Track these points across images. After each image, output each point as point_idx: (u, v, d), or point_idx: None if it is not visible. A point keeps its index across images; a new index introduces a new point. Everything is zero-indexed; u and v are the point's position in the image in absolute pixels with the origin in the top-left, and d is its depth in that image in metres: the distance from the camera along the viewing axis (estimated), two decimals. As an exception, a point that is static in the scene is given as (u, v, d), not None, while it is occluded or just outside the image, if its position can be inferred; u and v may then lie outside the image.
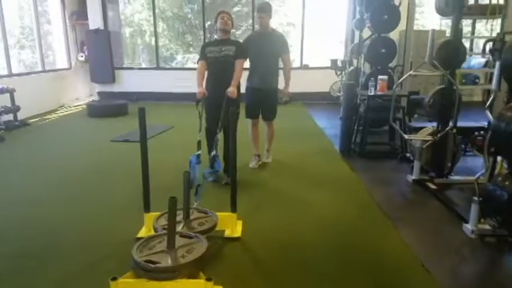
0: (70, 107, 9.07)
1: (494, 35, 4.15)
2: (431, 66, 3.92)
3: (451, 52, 3.88)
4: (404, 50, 5.97)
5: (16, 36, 9.16)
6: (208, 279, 2.05)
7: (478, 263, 2.78)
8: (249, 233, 2.97)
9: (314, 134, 6.47)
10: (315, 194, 3.84)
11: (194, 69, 4.09)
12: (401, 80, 4.19)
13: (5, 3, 7.36)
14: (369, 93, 4.89)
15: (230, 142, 2.92)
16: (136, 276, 2.07)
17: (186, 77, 8.47)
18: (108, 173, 4.53)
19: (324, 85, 8.91)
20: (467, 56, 4.12)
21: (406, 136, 4.09)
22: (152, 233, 2.63)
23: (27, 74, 8.36)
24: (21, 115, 7.04)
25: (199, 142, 3.35)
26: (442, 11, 4.03)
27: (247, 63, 4.34)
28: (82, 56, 9.87)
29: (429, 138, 4.03)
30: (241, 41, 4.45)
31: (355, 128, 5.49)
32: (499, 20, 5.53)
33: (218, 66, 3.85)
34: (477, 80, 8.71)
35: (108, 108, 8.05)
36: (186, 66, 11.94)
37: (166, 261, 2.08)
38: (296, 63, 9.86)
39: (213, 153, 3.44)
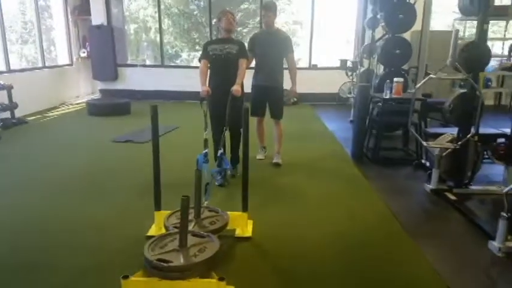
0: (71, 104, 8.85)
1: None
2: (453, 69, 3.68)
3: (474, 54, 3.62)
4: (419, 51, 5.70)
5: (18, 32, 8.96)
6: (220, 279, 2.04)
7: (508, 286, 2.54)
8: (259, 232, 2.94)
9: (324, 137, 6.22)
10: (327, 202, 3.64)
11: (198, 67, 4.07)
12: (421, 82, 3.94)
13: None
14: (384, 96, 4.64)
15: (242, 141, 2.89)
16: (147, 275, 2.06)
17: (191, 75, 8.22)
18: (110, 176, 4.30)
19: (333, 86, 8.63)
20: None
21: (425, 143, 3.84)
22: (163, 231, 2.64)
23: (27, 70, 8.11)
24: (19, 112, 6.83)
25: (205, 140, 3.33)
26: (465, 10, 3.77)
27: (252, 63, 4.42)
28: (84, 52, 9.62)
29: (449, 145, 3.78)
30: (246, 40, 4.43)
31: (368, 132, 5.24)
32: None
33: (221, 64, 3.88)
34: (489, 83, 8.46)
35: (110, 106, 7.80)
36: (191, 64, 11.73)
37: (179, 260, 2.07)
38: (304, 63, 9.60)
39: (220, 151, 3.45)
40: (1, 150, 5.29)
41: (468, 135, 3.74)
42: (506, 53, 8.71)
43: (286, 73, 4.52)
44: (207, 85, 3.89)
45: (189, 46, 12.21)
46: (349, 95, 8.26)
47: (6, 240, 2.89)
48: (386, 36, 5.82)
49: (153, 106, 2.72)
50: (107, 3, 9.41)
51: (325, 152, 5.36)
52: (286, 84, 4.55)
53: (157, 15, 9.86)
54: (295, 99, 7.94)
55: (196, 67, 4.32)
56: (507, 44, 8.98)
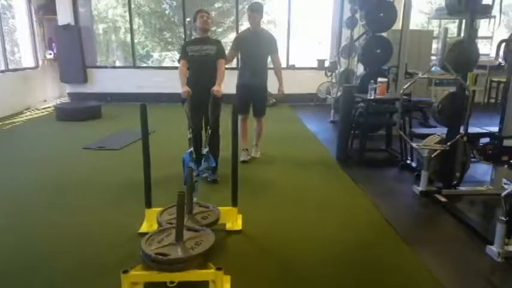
0: (37, 109, 8.35)
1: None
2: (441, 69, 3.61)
3: (464, 54, 3.56)
4: (399, 50, 5.66)
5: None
6: (218, 269, 2.12)
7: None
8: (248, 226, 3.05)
9: (306, 139, 6.07)
10: (315, 207, 3.49)
11: (173, 67, 3.99)
12: (410, 83, 3.85)
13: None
14: (369, 97, 4.54)
15: (231, 140, 2.95)
16: (147, 269, 2.11)
17: (169, 76, 7.82)
18: (83, 186, 3.97)
19: (311, 86, 8.53)
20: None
21: (415, 145, 3.75)
22: (154, 227, 2.72)
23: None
24: (-21, 119, 6.36)
25: (189, 139, 3.38)
26: (452, 9, 3.70)
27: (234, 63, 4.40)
28: (50, 54, 9.14)
29: (439, 147, 3.71)
30: (222, 39, 4.29)
31: (352, 133, 5.14)
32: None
33: (200, 65, 3.88)
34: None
35: (79, 110, 7.37)
36: (163, 64, 11.39)
37: (177, 253, 2.14)
38: (282, 64, 9.44)
39: (206, 150, 3.45)
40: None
41: (458, 136, 3.68)
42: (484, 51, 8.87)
43: (270, 73, 4.61)
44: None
45: (161, 46, 11.86)
46: (327, 96, 8.18)
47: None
48: (366, 35, 5.75)
49: (142, 104, 2.82)
50: (74, 2, 8.97)
51: (310, 154, 5.22)
52: (269, 85, 4.62)
53: (127, 14, 9.50)
54: (274, 100, 7.80)
55: (169, 67, 4.16)
56: (481, 43, 9.15)
